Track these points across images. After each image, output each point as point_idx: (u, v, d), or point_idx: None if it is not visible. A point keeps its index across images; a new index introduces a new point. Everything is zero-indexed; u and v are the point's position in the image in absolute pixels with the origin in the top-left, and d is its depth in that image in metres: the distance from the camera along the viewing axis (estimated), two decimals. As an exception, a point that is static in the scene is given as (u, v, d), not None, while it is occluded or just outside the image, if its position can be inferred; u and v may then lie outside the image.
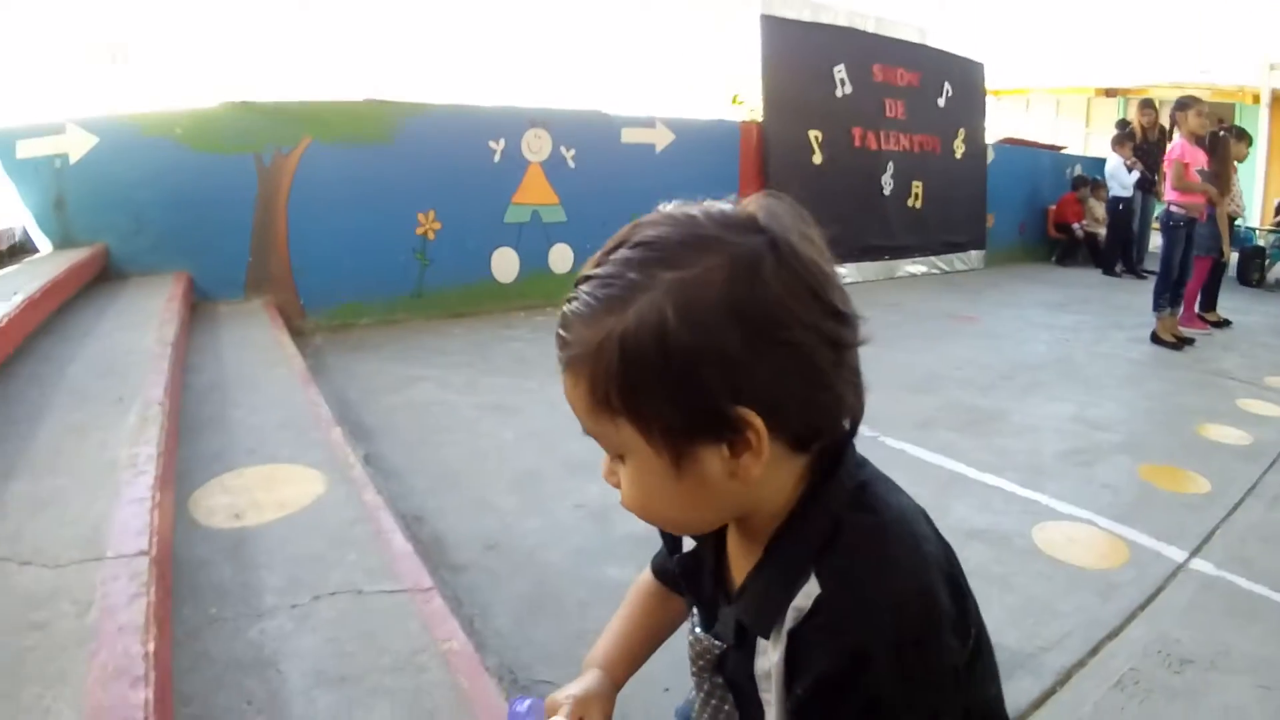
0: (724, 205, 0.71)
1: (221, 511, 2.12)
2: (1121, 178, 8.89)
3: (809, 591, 0.69)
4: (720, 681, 0.84)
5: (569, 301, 0.71)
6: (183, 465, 2.35)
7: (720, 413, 0.67)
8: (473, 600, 2.05)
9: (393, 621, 1.63)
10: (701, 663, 0.84)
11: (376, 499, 2.18)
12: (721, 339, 0.65)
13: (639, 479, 0.72)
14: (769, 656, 0.74)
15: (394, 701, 1.40)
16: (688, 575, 0.89)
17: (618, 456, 0.73)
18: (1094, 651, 2.07)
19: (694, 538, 0.85)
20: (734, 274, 0.66)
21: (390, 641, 1.56)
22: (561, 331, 0.71)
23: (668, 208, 0.72)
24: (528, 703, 0.83)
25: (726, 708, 0.85)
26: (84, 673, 1.22)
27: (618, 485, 0.75)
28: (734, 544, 0.83)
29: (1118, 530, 2.76)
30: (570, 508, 2.63)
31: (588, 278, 0.71)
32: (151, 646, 1.26)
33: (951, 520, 2.69)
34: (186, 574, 1.80)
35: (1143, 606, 2.30)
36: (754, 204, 0.71)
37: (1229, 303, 7.10)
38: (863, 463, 0.77)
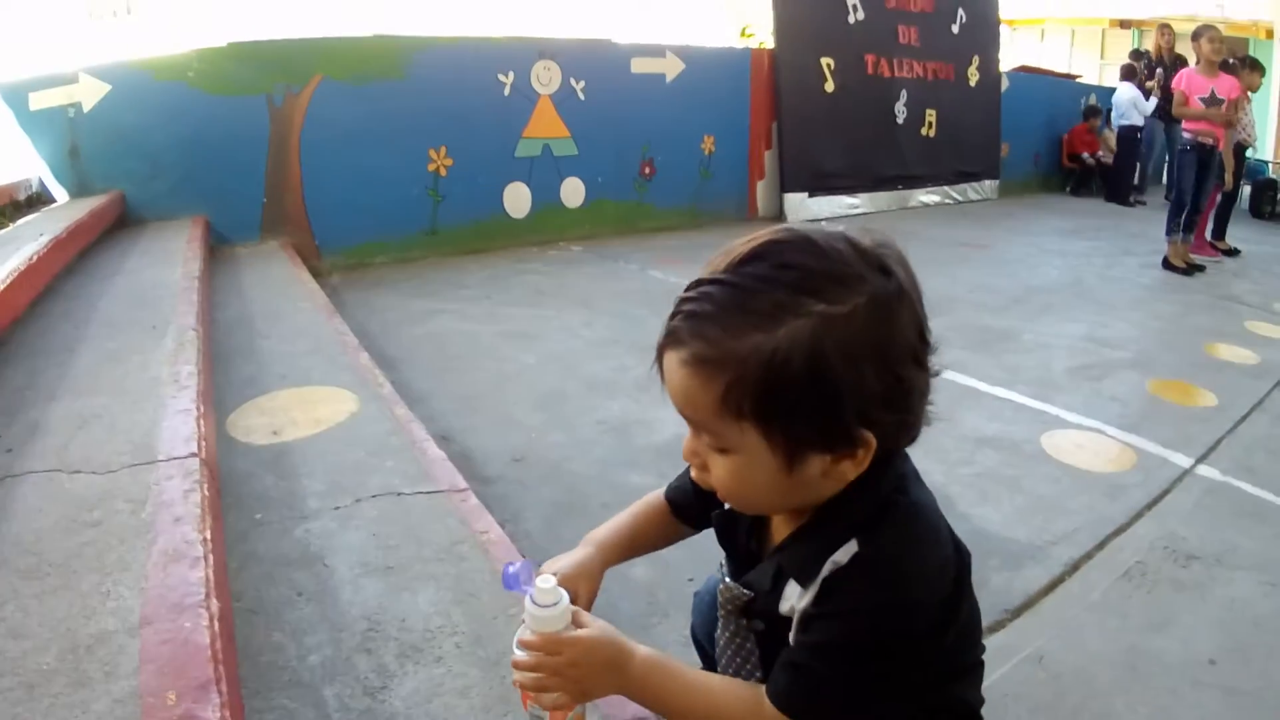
0: (852, 237, 0.78)
1: (260, 430, 2.20)
2: (1143, 107, 8.82)
3: (849, 549, 0.81)
4: (744, 624, 0.95)
5: (696, 300, 0.76)
6: (217, 392, 2.42)
7: (846, 432, 0.76)
8: (503, 507, 2.14)
9: (432, 518, 1.71)
10: (730, 608, 0.95)
11: (408, 414, 2.27)
12: (861, 372, 0.73)
13: (743, 474, 0.79)
14: (793, 602, 0.86)
15: (438, 585, 1.49)
16: (723, 530, 0.99)
17: (721, 449, 0.79)
18: (1101, 546, 2.15)
19: None
20: (875, 315, 0.74)
21: (431, 535, 1.65)
22: (687, 324, 0.76)
23: (801, 229, 0.78)
24: (518, 564, 0.90)
25: (749, 645, 0.96)
26: (143, 560, 1.30)
27: (702, 467, 0.83)
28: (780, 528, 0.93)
29: (1125, 438, 2.82)
30: (593, 423, 2.71)
31: (721, 282, 0.76)
32: (208, 533, 1.34)
33: (963, 430, 2.76)
34: (230, 486, 1.88)
35: (1149, 506, 2.38)
36: (880, 246, 0.78)
37: (1241, 233, 7.07)
38: (905, 458, 0.88)
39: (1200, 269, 5.71)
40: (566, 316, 3.89)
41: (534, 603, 0.88)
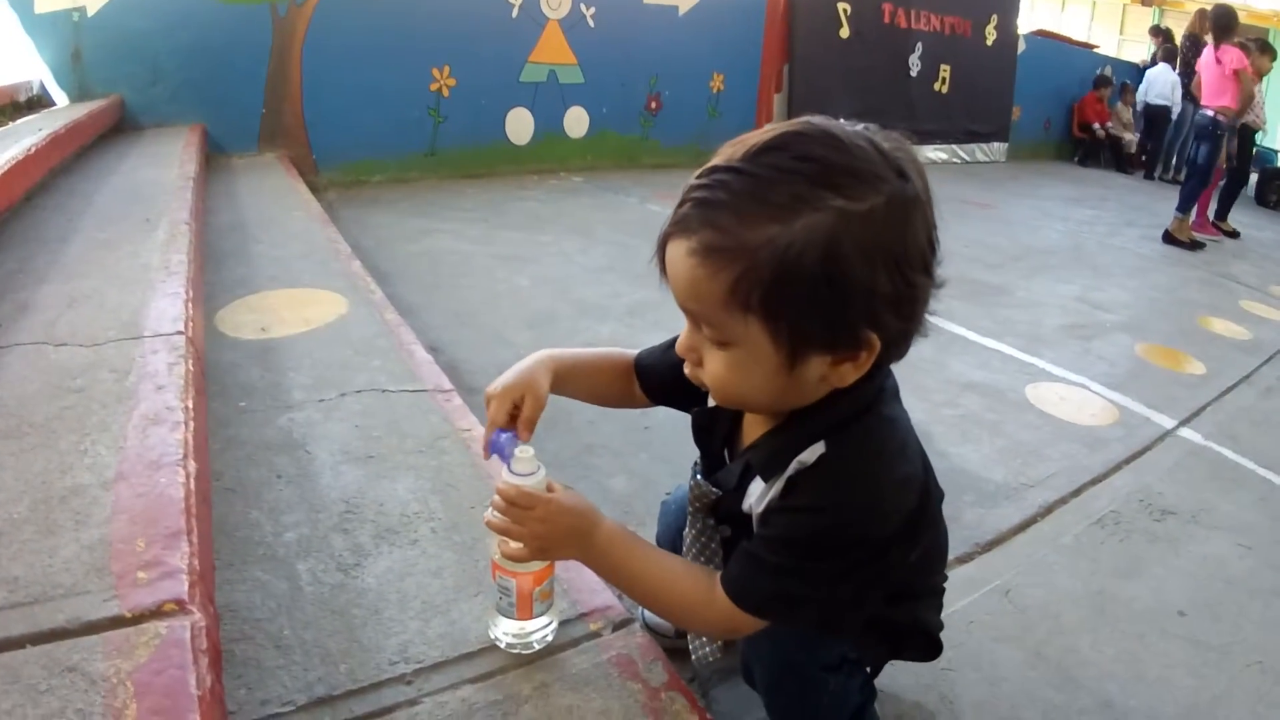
0: (874, 137, 0.76)
1: (248, 326, 2.19)
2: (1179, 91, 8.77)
3: (815, 450, 0.82)
4: (711, 523, 0.99)
5: (709, 188, 0.74)
6: (207, 290, 2.40)
7: (852, 332, 0.75)
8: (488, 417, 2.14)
9: (416, 414, 1.71)
10: (698, 505, 0.98)
11: (398, 319, 2.26)
12: (875, 272, 0.72)
13: (741, 368, 0.78)
14: (758, 498, 0.89)
15: (418, 475, 1.49)
16: (700, 430, 1.00)
17: (720, 343, 0.78)
18: (1077, 493, 2.17)
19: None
20: (892, 216, 0.73)
21: (414, 429, 1.65)
22: (698, 211, 0.74)
23: (822, 122, 0.76)
24: (507, 434, 0.97)
25: (713, 545, 1.00)
26: (123, 423, 1.30)
27: (697, 363, 0.83)
28: (752, 415, 0.94)
29: (1110, 395, 2.84)
30: (582, 344, 2.69)
31: (737, 170, 0.73)
32: (190, 402, 1.34)
33: (949, 374, 2.76)
34: (215, 375, 1.87)
35: (1128, 461, 2.40)
36: (899, 149, 0.76)
37: (1245, 219, 7.07)
38: (888, 374, 0.88)
39: (1201, 246, 5.71)
40: (563, 243, 3.87)
41: (511, 471, 0.90)
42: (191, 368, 1.48)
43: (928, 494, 0.90)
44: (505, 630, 1.04)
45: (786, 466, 0.84)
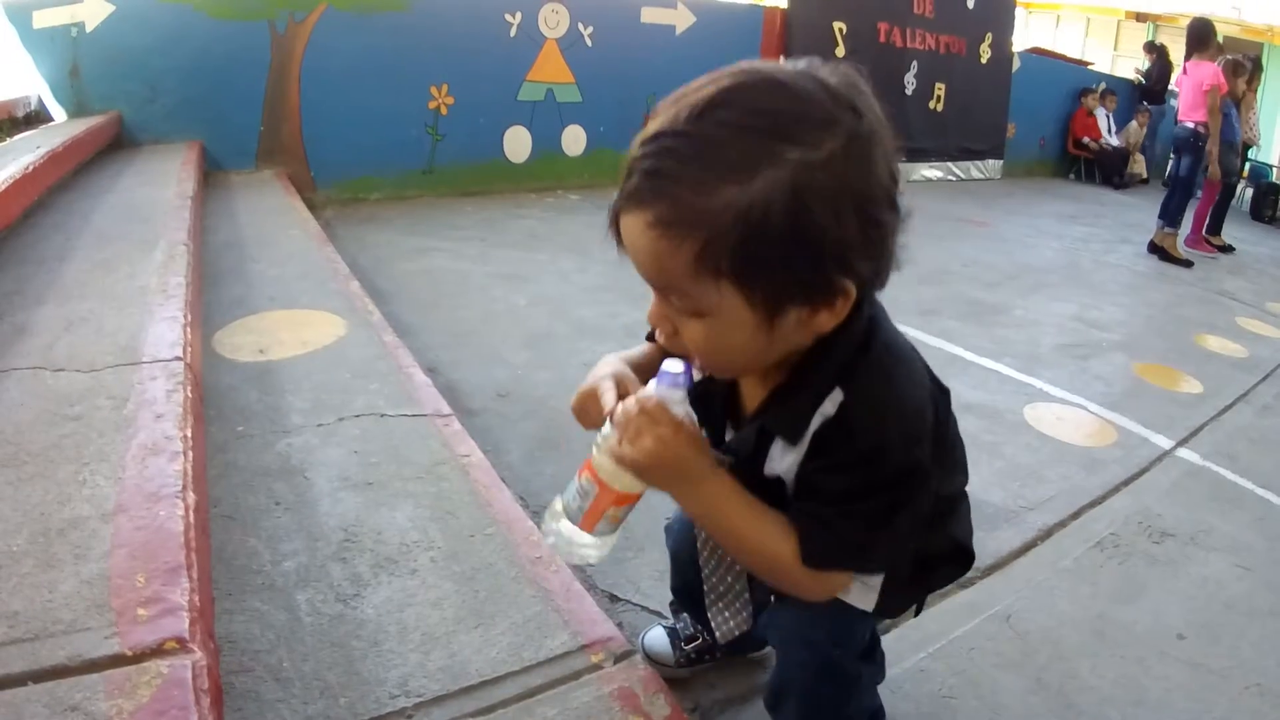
0: (819, 74, 0.73)
1: (246, 348, 2.19)
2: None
3: (835, 399, 0.80)
4: None
5: (656, 156, 0.71)
6: (205, 310, 2.40)
7: (827, 281, 0.74)
8: (485, 438, 2.13)
9: (415, 439, 1.71)
10: (723, 465, 0.92)
11: (396, 340, 2.26)
12: (842, 219, 0.70)
13: (721, 335, 0.76)
14: (784, 460, 0.86)
15: (416, 503, 1.49)
16: (698, 400, 0.95)
17: (694, 312, 0.76)
18: (1076, 515, 2.17)
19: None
20: (851, 158, 0.70)
21: (412, 455, 1.65)
22: (649, 183, 0.71)
23: (764, 68, 0.73)
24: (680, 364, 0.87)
25: None
26: (122, 452, 1.30)
27: (672, 333, 0.80)
28: (749, 377, 0.92)
29: (1107, 415, 2.84)
30: (580, 364, 2.70)
31: (684, 134, 0.70)
32: (189, 431, 1.34)
33: (948, 395, 2.76)
34: (213, 398, 1.87)
35: (1126, 482, 2.39)
36: (848, 84, 0.74)
37: (1240, 234, 7.10)
38: (873, 300, 0.86)
39: (1189, 264, 5.74)
40: (560, 261, 3.87)
41: (660, 385, 0.86)
42: (190, 394, 1.48)
43: (940, 405, 0.90)
44: (560, 529, 0.98)
45: (808, 423, 0.82)
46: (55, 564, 1.02)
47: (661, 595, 1.52)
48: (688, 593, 1.34)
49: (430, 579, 1.28)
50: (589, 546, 0.97)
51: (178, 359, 1.61)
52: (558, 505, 0.97)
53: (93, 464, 1.26)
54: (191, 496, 1.15)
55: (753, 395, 0.91)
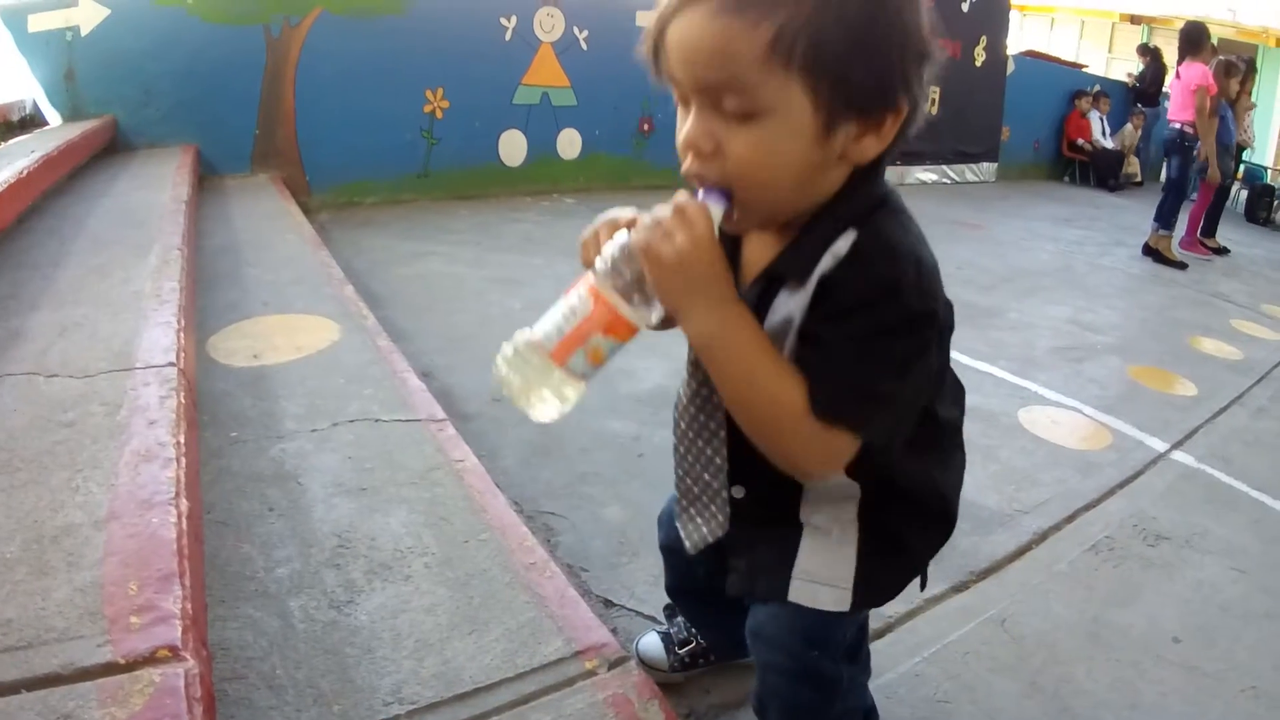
0: None
1: (240, 353, 2.19)
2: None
3: (848, 238, 0.77)
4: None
5: None
6: (199, 315, 2.40)
7: (884, 94, 0.73)
8: (480, 444, 2.13)
9: (409, 444, 1.71)
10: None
11: (390, 345, 2.26)
12: (911, 21, 0.73)
13: (773, 141, 0.74)
14: (788, 306, 0.81)
15: (410, 508, 1.49)
16: None
17: (748, 114, 0.73)
18: (1071, 519, 2.17)
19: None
20: None
21: (407, 460, 1.65)
22: None
23: None
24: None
25: (715, 398, 0.89)
26: (115, 459, 1.30)
27: (710, 151, 0.76)
28: (754, 242, 0.88)
29: (1102, 419, 2.85)
30: (576, 370, 2.70)
31: None
32: (182, 438, 1.33)
33: (943, 399, 2.76)
34: (207, 404, 1.87)
35: (1121, 485, 2.40)
36: None
37: (1235, 236, 7.12)
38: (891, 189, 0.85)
39: (1184, 266, 5.76)
40: (556, 265, 3.87)
41: (699, 196, 0.80)
42: (183, 400, 1.47)
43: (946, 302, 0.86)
44: (523, 355, 0.81)
45: (817, 262, 0.78)
46: (48, 571, 1.02)
47: (656, 600, 1.52)
48: (682, 592, 1.34)
49: (424, 585, 1.27)
50: (551, 385, 0.81)
51: (171, 365, 1.60)
52: (524, 334, 0.82)
53: (86, 470, 1.26)
54: (184, 503, 1.15)
55: (755, 257, 0.87)
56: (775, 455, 0.82)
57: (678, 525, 1.00)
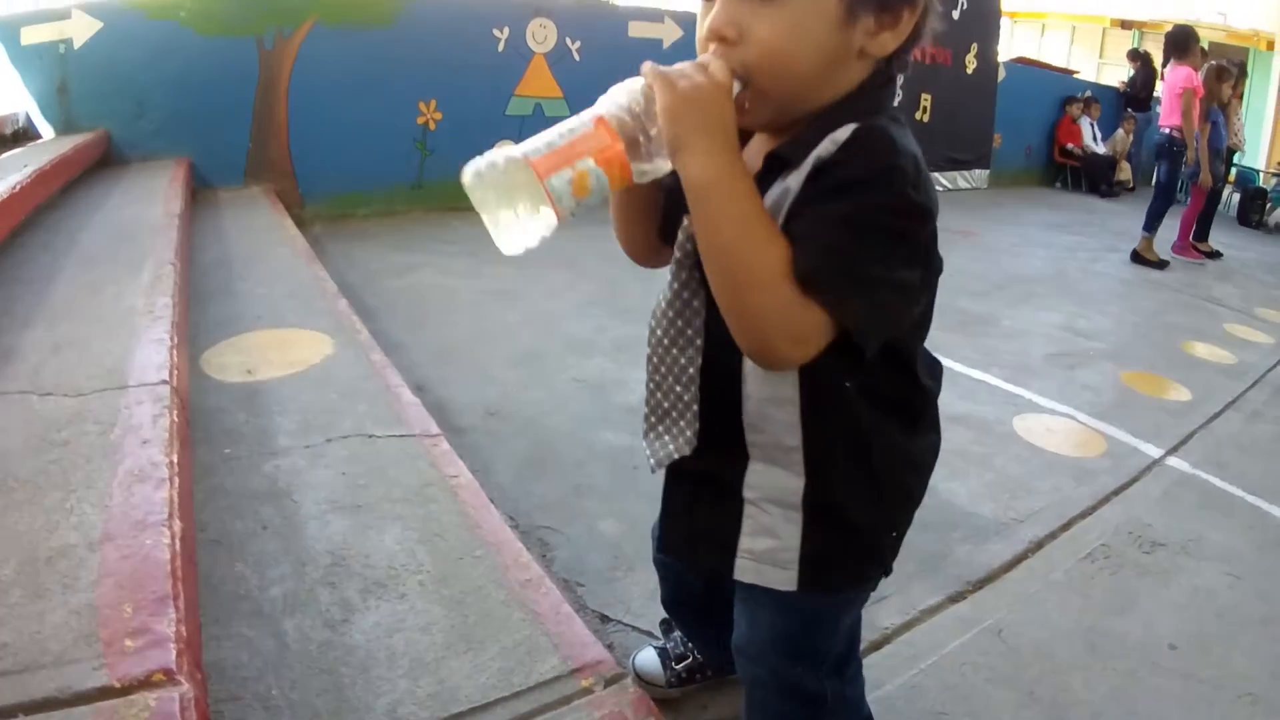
0: None
1: (233, 368, 2.19)
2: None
3: (848, 129, 0.77)
4: (697, 276, 0.85)
5: None
6: (192, 329, 2.39)
7: None
8: (474, 457, 2.13)
9: (403, 460, 1.71)
10: (690, 246, 0.86)
11: (384, 359, 2.25)
12: None
13: (796, 20, 0.76)
14: (781, 186, 0.81)
15: (404, 525, 1.49)
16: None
17: None
18: (1066, 527, 2.17)
19: None
20: None
21: (401, 477, 1.64)
22: None
23: None
24: None
25: (696, 302, 0.87)
26: (108, 479, 1.29)
27: (735, 38, 0.77)
28: (755, 145, 0.87)
29: (1096, 425, 2.85)
30: (569, 381, 2.70)
31: None
32: (175, 457, 1.33)
33: (937, 407, 2.76)
34: (200, 420, 1.86)
35: (1116, 492, 2.40)
36: None
37: (1227, 239, 7.14)
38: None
39: (1166, 264, 5.80)
40: (550, 277, 3.87)
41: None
42: (176, 419, 1.47)
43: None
44: (503, 157, 0.73)
45: (816, 144, 0.78)
46: (43, 594, 1.02)
47: (652, 615, 1.52)
48: (678, 606, 1.33)
49: (419, 603, 1.27)
50: (527, 199, 0.73)
51: (164, 383, 1.60)
52: (506, 147, 0.73)
53: (79, 491, 1.26)
54: (178, 524, 1.14)
55: (756, 162, 0.85)
56: (746, 324, 0.78)
57: (644, 444, 0.97)
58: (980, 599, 1.83)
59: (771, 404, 0.87)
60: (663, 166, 0.77)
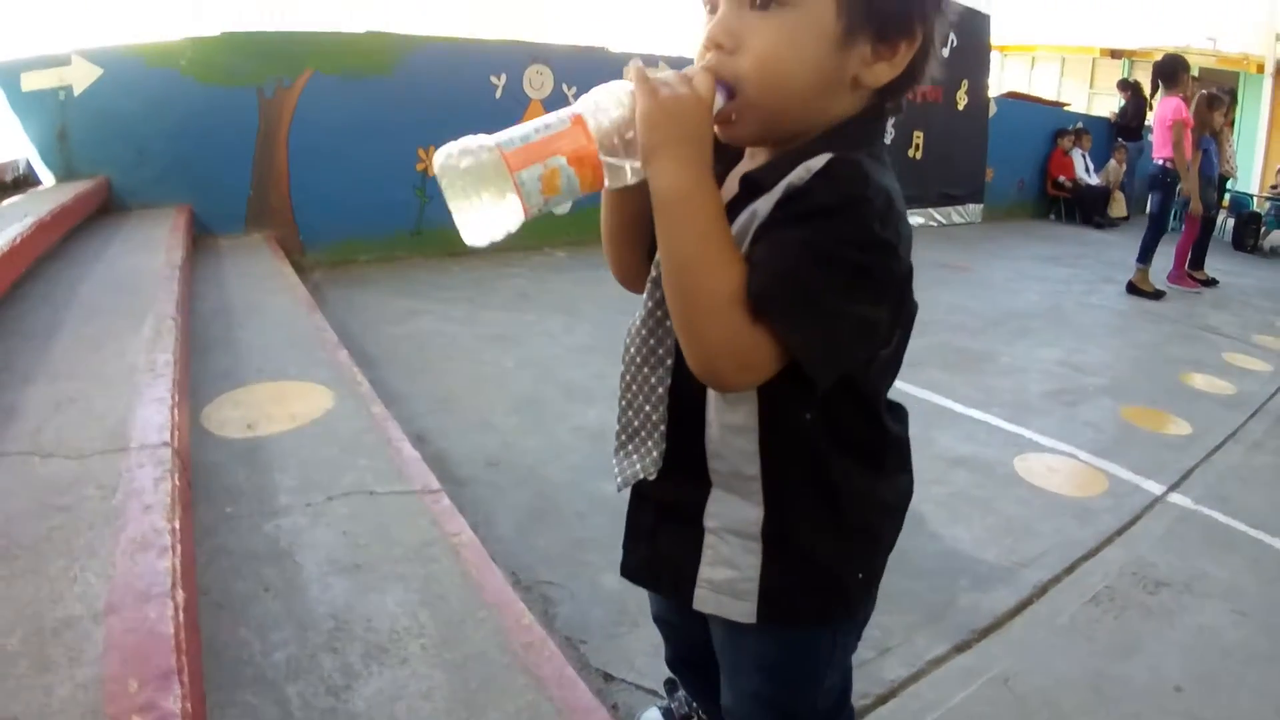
0: None
1: (234, 423, 2.19)
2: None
3: (823, 158, 0.77)
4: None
5: None
6: (193, 382, 2.40)
7: (908, 18, 0.78)
8: (476, 510, 2.13)
9: (404, 518, 1.71)
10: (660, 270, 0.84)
11: (384, 412, 2.26)
12: None
13: (794, 37, 0.77)
14: (750, 210, 0.81)
15: (406, 587, 1.48)
16: None
17: (770, 1, 0.76)
18: (1070, 570, 2.17)
19: None
20: None
21: (402, 535, 1.64)
22: None
23: None
24: None
25: (668, 322, 0.85)
26: (111, 547, 1.29)
27: (733, 48, 0.78)
28: (738, 169, 0.88)
29: (1097, 463, 2.85)
30: (569, 429, 2.71)
31: None
32: (177, 523, 1.33)
33: (936, 449, 2.78)
34: (201, 478, 1.86)
35: (1119, 532, 2.40)
36: None
37: (1223, 265, 7.18)
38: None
39: (1162, 294, 5.84)
40: (548, 322, 3.89)
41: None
42: (178, 482, 1.47)
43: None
44: (476, 144, 0.73)
45: (790, 171, 0.78)
46: (50, 667, 1.01)
47: (657, 672, 1.50)
48: (683, 664, 1.33)
49: (421, 668, 1.27)
50: (495, 189, 0.72)
51: (165, 444, 1.60)
52: (478, 137, 0.73)
53: (83, 559, 1.26)
54: (181, 595, 1.14)
55: (733, 186, 0.86)
56: (694, 344, 0.78)
57: (613, 463, 0.97)
58: (986, 648, 1.83)
59: (731, 431, 0.87)
60: (636, 173, 0.77)
